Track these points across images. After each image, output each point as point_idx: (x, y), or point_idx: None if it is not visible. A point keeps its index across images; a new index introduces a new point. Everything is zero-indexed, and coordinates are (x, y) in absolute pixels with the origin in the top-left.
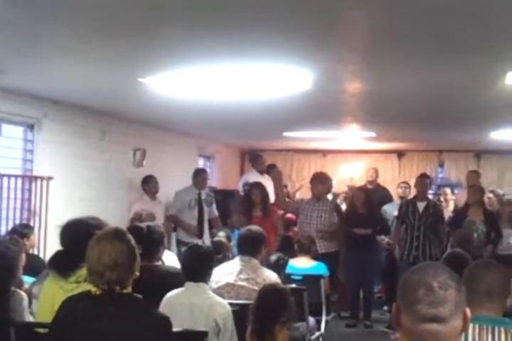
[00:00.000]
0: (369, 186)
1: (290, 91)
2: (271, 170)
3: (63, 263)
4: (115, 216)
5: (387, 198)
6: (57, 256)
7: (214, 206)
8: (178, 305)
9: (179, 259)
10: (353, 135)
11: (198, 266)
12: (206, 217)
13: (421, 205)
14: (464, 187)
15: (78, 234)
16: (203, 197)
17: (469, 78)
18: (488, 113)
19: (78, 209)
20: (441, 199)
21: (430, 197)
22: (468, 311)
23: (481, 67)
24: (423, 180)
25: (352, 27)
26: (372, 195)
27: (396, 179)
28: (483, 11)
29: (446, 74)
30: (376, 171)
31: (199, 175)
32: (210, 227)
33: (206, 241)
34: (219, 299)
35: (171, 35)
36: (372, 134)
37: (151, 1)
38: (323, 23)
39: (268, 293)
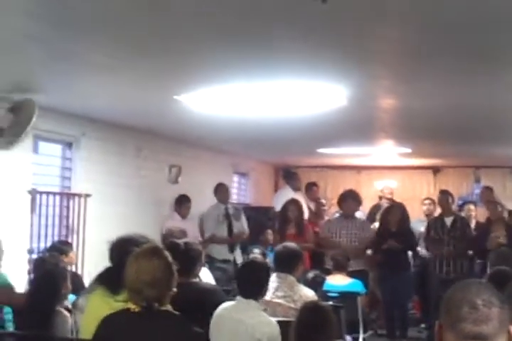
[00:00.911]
0: (385, 203)
1: (324, 108)
2: (310, 187)
3: (113, 280)
4: (150, 233)
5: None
6: (106, 272)
7: (243, 220)
8: (227, 319)
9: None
10: (387, 151)
11: (250, 282)
12: (236, 232)
13: (448, 220)
14: (481, 204)
15: (127, 252)
16: (231, 211)
17: (502, 94)
18: None
19: (114, 226)
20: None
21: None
22: None
23: (510, 84)
24: (442, 196)
25: (386, 43)
26: (407, 213)
27: (431, 195)
28: (508, 32)
29: (480, 90)
30: (390, 188)
31: (220, 190)
32: (242, 244)
33: (237, 257)
34: (268, 318)
35: (205, 52)
36: (408, 150)
37: (186, 18)
38: (358, 39)
39: (310, 310)
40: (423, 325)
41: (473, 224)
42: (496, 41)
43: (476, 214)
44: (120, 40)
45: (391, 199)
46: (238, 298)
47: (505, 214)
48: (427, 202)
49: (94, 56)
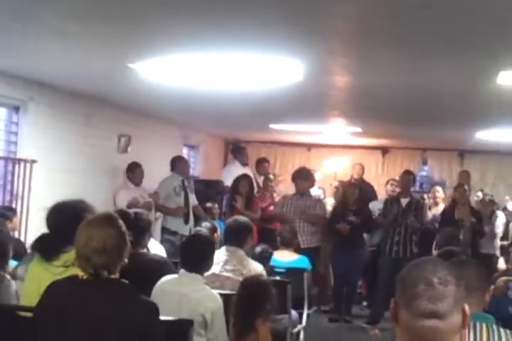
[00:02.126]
0: (356, 182)
1: (279, 83)
2: (261, 163)
3: (48, 247)
4: (98, 201)
5: (372, 195)
6: (42, 239)
7: (194, 195)
8: (168, 292)
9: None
10: (339, 130)
11: (195, 255)
12: (191, 204)
13: (404, 201)
14: (451, 186)
15: (65, 217)
16: (187, 184)
17: (460, 77)
18: (477, 112)
19: (61, 194)
20: (426, 196)
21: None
22: (467, 307)
23: (473, 66)
24: (407, 176)
25: (344, 20)
26: (364, 192)
27: (379, 176)
28: (476, 9)
29: (436, 72)
30: (362, 167)
31: (180, 163)
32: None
33: (191, 229)
34: (211, 293)
35: (161, 21)
36: (358, 129)
37: None
38: (316, 14)
39: (250, 284)
40: (365, 303)
41: (441, 207)
42: (453, 24)
43: (444, 197)
44: (78, 5)
45: (358, 179)
46: (181, 271)
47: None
48: (392, 182)
49: (49, 19)
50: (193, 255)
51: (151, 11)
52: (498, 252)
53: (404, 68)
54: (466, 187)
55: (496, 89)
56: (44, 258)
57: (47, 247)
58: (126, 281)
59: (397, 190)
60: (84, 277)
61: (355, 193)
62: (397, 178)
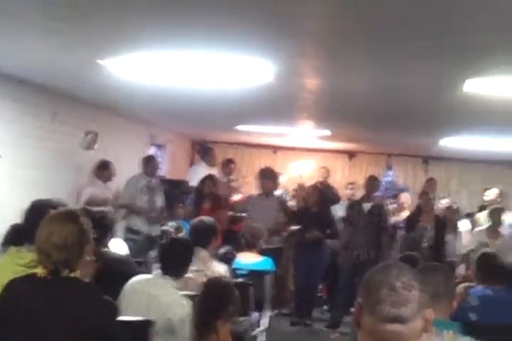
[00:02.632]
0: (319, 185)
1: (249, 83)
2: (227, 164)
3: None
4: (62, 197)
5: (336, 198)
6: (12, 232)
7: (161, 195)
8: (139, 292)
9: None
10: (307, 132)
11: (172, 259)
12: (158, 205)
13: (366, 206)
14: (414, 193)
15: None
16: (154, 184)
17: (427, 83)
18: (443, 119)
19: (24, 190)
20: (388, 202)
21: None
22: (430, 312)
23: (440, 74)
24: (372, 182)
25: (316, 22)
26: (325, 195)
27: (345, 179)
28: (444, 17)
29: (405, 78)
30: (328, 171)
31: (150, 163)
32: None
33: (155, 229)
34: (180, 298)
35: (132, 17)
36: (327, 133)
37: None
38: (287, 15)
39: (213, 286)
40: (325, 307)
41: (406, 213)
42: (421, 32)
43: (410, 203)
44: (46, 1)
45: (323, 182)
46: (156, 272)
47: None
48: (350, 186)
49: (17, 14)
50: (172, 258)
51: (123, 8)
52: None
53: (374, 73)
54: (430, 195)
55: (462, 97)
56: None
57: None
58: (86, 280)
59: (357, 193)
60: (44, 275)
61: (315, 195)
62: (358, 182)
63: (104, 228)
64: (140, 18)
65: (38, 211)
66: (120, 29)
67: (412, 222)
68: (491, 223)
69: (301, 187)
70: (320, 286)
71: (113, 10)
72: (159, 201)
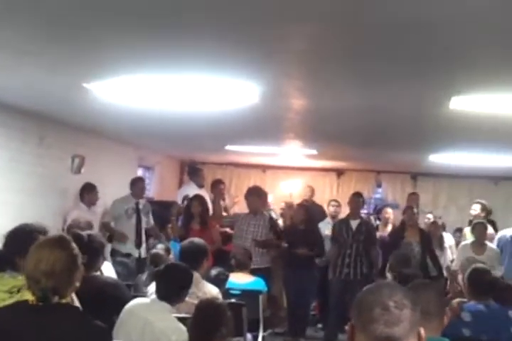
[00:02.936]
0: (305, 203)
1: (236, 105)
2: (217, 185)
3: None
4: (49, 223)
5: (322, 216)
6: None
7: (150, 216)
8: (136, 316)
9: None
10: (294, 152)
11: (170, 285)
12: (144, 227)
13: (354, 223)
14: (401, 209)
15: (22, 240)
16: (141, 206)
17: (413, 101)
18: (430, 136)
19: (12, 214)
20: (372, 218)
21: (363, 216)
22: (422, 331)
23: (426, 91)
24: (356, 198)
25: (300, 43)
26: (312, 213)
27: (334, 197)
28: (430, 34)
29: (391, 96)
30: (312, 189)
31: (137, 184)
32: (148, 237)
33: (143, 252)
34: (177, 325)
35: (119, 41)
36: (314, 152)
37: (100, 6)
38: (272, 36)
39: (205, 307)
40: (319, 325)
41: (389, 228)
42: (406, 50)
43: (394, 218)
44: (31, 23)
45: (309, 200)
46: (153, 297)
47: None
48: (333, 203)
49: (4, 37)
50: (168, 284)
51: (108, 32)
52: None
53: (359, 93)
54: (414, 209)
55: (448, 114)
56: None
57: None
58: (78, 306)
59: (339, 210)
60: (33, 302)
61: (302, 213)
62: (342, 200)
63: (94, 251)
64: (126, 41)
65: (17, 236)
66: (105, 53)
67: (396, 237)
68: (474, 238)
69: (288, 205)
70: (313, 304)
71: (98, 33)
72: (145, 223)
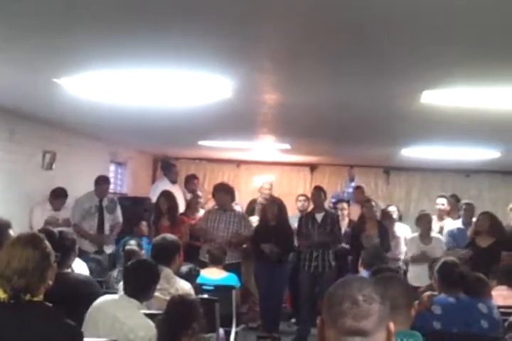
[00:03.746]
0: (263, 198)
1: (209, 100)
2: (190, 180)
3: None
4: (19, 219)
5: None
6: None
7: (118, 212)
8: (104, 313)
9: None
10: (268, 146)
11: (138, 282)
12: (108, 225)
13: (319, 216)
14: (355, 203)
15: None
16: (105, 203)
17: (385, 96)
18: (402, 130)
19: None
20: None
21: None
22: (391, 325)
23: (397, 85)
24: (317, 192)
25: (273, 37)
26: (284, 208)
27: (308, 192)
28: (399, 29)
29: (362, 91)
30: (271, 184)
31: (99, 184)
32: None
33: (107, 249)
34: (146, 321)
35: (89, 36)
36: (287, 146)
37: (65, 1)
38: (244, 32)
39: (176, 303)
40: (293, 320)
41: (346, 222)
42: (377, 44)
43: (349, 212)
44: (1, 20)
45: (269, 195)
46: (121, 294)
47: (378, 213)
48: (301, 198)
49: None
50: (136, 281)
51: (77, 27)
52: (402, 265)
53: (331, 87)
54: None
55: (420, 108)
56: None
57: None
58: (49, 304)
59: (306, 205)
60: (5, 300)
61: (274, 209)
62: (305, 194)
63: (66, 249)
64: (96, 37)
65: None
66: (75, 48)
67: (357, 230)
68: (419, 230)
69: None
70: (285, 298)
71: (68, 29)
72: (110, 221)
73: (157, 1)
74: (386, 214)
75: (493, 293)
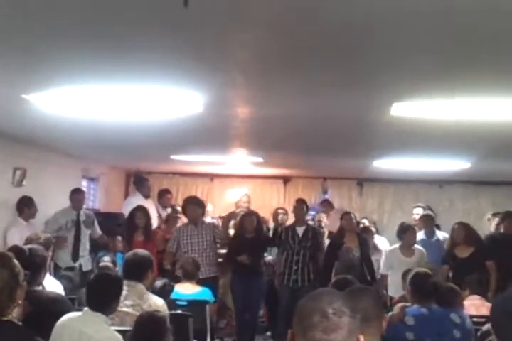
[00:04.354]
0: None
1: (180, 114)
2: (163, 195)
3: None
4: None
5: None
6: None
7: (96, 226)
8: (69, 329)
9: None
10: (240, 160)
11: (102, 295)
12: (85, 239)
13: (300, 230)
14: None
15: None
16: (83, 218)
17: (355, 108)
18: (374, 142)
19: None
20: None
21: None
22: (362, 338)
23: (367, 98)
24: (300, 205)
25: (244, 51)
26: (261, 220)
27: (281, 205)
28: (368, 43)
29: (333, 104)
30: (249, 197)
31: (74, 196)
32: (98, 248)
33: (84, 264)
34: (113, 334)
35: (55, 52)
36: (260, 159)
37: (36, 15)
38: (215, 46)
39: (144, 320)
40: (268, 333)
41: (325, 234)
42: (347, 57)
43: (327, 223)
44: None
45: (248, 208)
46: (85, 309)
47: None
48: (280, 211)
49: None
50: (100, 294)
51: (47, 43)
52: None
53: (303, 99)
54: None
55: (390, 120)
56: None
57: None
58: (19, 323)
59: (285, 218)
60: None
61: (253, 222)
62: (285, 207)
63: (36, 266)
64: (64, 52)
65: None
66: (45, 64)
67: (336, 243)
68: (402, 242)
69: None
70: (261, 312)
71: (34, 45)
72: (87, 235)
73: (121, 15)
74: (366, 228)
75: (466, 302)
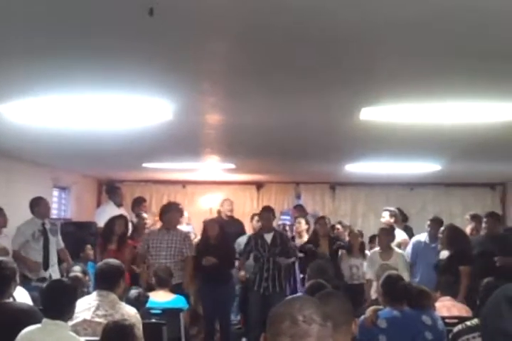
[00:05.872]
0: (225, 218)
1: (150, 122)
2: (139, 203)
3: None
4: None
5: (241, 231)
6: None
7: (59, 236)
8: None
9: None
10: (212, 166)
11: (57, 302)
12: (54, 248)
13: (268, 237)
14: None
15: None
16: (48, 226)
17: (325, 113)
18: (344, 147)
19: None
20: (288, 228)
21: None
22: None
23: (336, 103)
24: (267, 213)
25: (212, 59)
26: (226, 227)
27: (254, 210)
28: (337, 49)
29: (303, 108)
30: (232, 203)
31: (39, 204)
32: (60, 260)
33: (53, 274)
34: (77, 340)
35: (25, 63)
36: (232, 166)
37: (5, 24)
38: (183, 54)
39: (110, 329)
40: (244, 340)
41: (305, 239)
42: (315, 63)
43: (308, 228)
44: None
45: (230, 216)
46: (44, 320)
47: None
48: (257, 218)
49: None
50: (55, 302)
51: (13, 53)
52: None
53: (273, 106)
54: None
55: (359, 125)
56: None
57: None
58: None
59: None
60: None
61: (215, 228)
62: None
63: (6, 278)
64: (34, 62)
65: None
66: (12, 74)
67: (309, 249)
68: (379, 245)
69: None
70: (238, 318)
71: (4, 54)
72: (55, 244)
73: (87, 25)
74: (353, 234)
75: (437, 304)
